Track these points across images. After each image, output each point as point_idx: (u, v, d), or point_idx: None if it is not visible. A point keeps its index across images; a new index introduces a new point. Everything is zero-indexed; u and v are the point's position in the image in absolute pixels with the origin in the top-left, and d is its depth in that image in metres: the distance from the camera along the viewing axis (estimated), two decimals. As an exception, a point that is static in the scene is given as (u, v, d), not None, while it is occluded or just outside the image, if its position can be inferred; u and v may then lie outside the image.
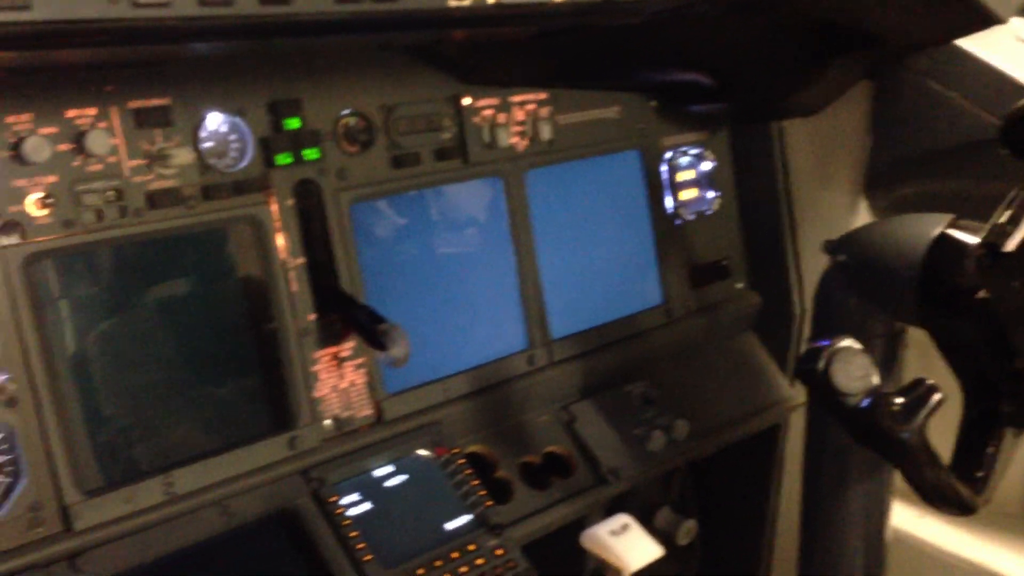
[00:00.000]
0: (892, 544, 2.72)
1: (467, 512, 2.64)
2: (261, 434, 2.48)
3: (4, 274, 2.10)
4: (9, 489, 2.12)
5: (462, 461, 2.72)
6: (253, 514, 2.41)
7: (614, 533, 1.82)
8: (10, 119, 2.09)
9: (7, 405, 2.10)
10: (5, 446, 2.12)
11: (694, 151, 3.46)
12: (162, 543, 2.27)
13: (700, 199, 3.50)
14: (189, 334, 2.43)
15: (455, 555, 2.54)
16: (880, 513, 2.67)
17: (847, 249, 2.52)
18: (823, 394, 2.04)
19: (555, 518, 2.84)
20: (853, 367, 2.02)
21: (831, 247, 2.53)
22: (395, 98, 2.71)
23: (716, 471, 3.51)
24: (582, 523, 3.00)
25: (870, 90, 3.23)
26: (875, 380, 2.05)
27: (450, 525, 2.60)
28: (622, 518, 1.85)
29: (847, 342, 2.05)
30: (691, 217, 3.45)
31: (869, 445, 2.17)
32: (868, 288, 2.46)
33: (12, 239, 2.11)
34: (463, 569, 2.52)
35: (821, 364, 2.00)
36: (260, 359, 2.53)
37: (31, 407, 2.14)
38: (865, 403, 2.02)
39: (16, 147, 2.09)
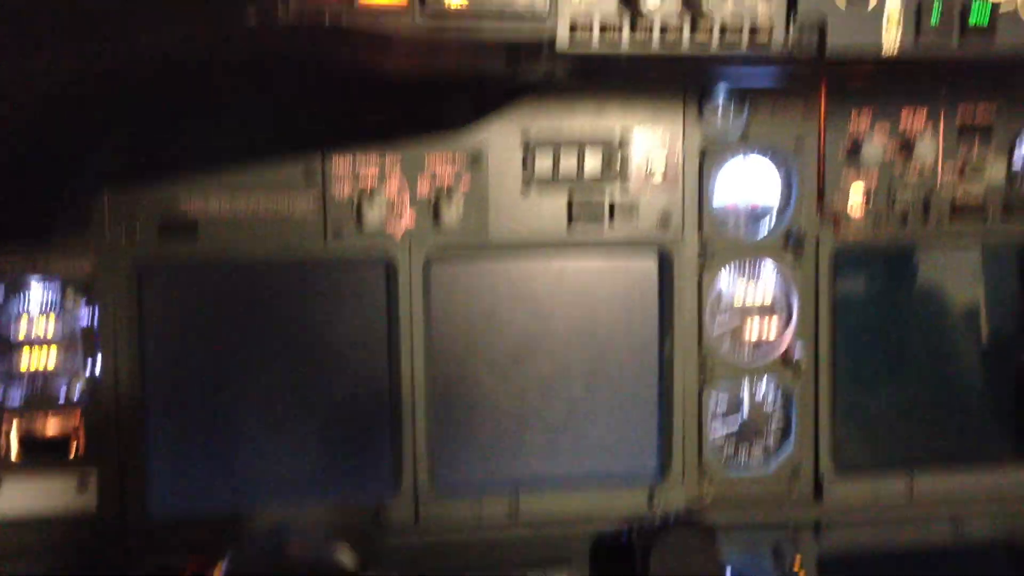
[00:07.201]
0: None
1: None
2: (1002, 458, 2.44)
3: (815, 265, 2.32)
4: (778, 448, 2.37)
5: None
6: (982, 536, 2.39)
7: None
8: (851, 122, 2.28)
9: (793, 370, 2.34)
10: (783, 409, 2.37)
11: None
12: (896, 538, 2.35)
13: None
14: (943, 347, 2.47)
15: None
16: None
17: None
18: None
19: None
20: None
21: None
22: None
23: None
24: None
25: None
26: None
27: None
28: None
29: None
30: None
31: None
32: None
33: (827, 232, 2.32)
34: None
35: None
36: (1017, 387, 2.48)
37: (811, 379, 2.35)
38: None
39: (855, 149, 2.28)
